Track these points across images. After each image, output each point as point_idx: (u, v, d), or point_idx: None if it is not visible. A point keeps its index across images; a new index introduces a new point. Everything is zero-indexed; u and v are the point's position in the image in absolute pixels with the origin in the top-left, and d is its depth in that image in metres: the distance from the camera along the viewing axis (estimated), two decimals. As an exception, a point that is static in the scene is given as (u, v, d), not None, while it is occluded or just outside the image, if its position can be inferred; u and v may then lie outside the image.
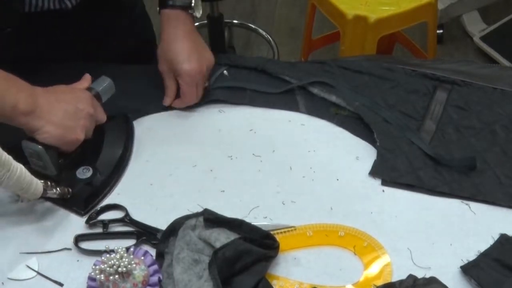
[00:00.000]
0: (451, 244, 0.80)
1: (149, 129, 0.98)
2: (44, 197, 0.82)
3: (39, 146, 0.83)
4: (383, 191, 0.88)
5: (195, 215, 0.80)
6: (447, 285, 0.72)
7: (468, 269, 0.75)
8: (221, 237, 0.75)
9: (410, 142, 0.93)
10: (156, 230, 0.81)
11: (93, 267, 0.72)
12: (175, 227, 0.79)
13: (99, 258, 0.74)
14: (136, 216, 0.84)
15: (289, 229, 0.81)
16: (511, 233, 0.80)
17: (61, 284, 0.76)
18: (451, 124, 0.96)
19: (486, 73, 1.05)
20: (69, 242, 0.80)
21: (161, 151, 0.95)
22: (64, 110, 0.84)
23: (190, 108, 1.02)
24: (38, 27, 1.01)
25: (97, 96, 0.92)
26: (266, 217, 0.84)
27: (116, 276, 0.71)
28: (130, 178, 0.90)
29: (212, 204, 0.84)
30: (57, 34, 1.04)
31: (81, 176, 0.88)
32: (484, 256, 0.77)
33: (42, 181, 0.79)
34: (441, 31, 2.48)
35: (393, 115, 0.97)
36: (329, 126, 0.99)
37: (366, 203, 0.86)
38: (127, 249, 0.74)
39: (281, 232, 0.81)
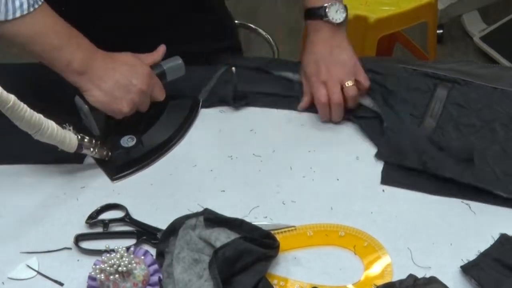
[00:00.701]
0: (451, 244, 0.80)
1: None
2: (81, 153, 0.85)
3: (86, 106, 0.86)
4: (383, 191, 0.88)
5: (195, 215, 0.80)
6: (447, 284, 0.72)
7: (468, 269, 0.75)
8: (221, 237, 0.75)
9: (416, 127, 0.94)
10: (157, 229, 0.81)
11: (93, 266, 0.72)
12: (175, 227, 0.79)
13: (99, 258, 0.74)
14: (136, 215, 0.84)
15: (289, 229, 0.81)
16: (511, 233, 0.80)
17: (61, 284, 0.76)
18: (451, 121, 0.96)
19: (486, 73, 1.05)
20: (69, 242, 0.80)
21: (161, 151, 0.95)
22: (116, 80, 0.86)
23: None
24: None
25: (162, 74, 0.93)
26: (266, 217, 0.84)
27: (117, 275, 0.71)
28: (129, 178, 0.90)
29: (212, 204, 0.84)
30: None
31: (124, 143, 0.91)
32: (484, 256, 0.77)
33: (81, 137, 0.83)
34: (441, 31, 2.48)
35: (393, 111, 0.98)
36: (329, 125, 0.99)
37: (366, 203, 0.86)
38: (127, 248, 0.74)
39: (281, 232, 0.81)
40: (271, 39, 2.42)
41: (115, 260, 0.71)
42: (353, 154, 0.93)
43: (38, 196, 0.86)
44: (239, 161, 0.93)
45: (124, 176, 0.89)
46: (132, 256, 0.73)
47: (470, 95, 1.00)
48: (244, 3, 2.81)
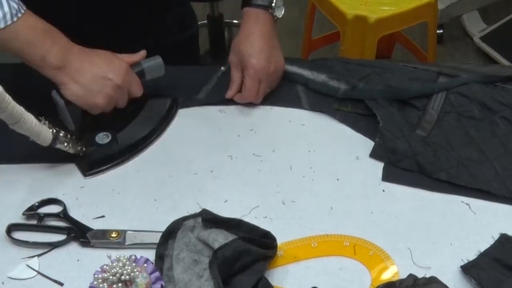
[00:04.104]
0: (451, 244, 0.80)
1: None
2: (54, 147, 0.85)
3: (62, 100, 0.87)
4: (383, 191, 0.88)
5: (193, 216, 0.80)
6: (447, 284, 0.72)
7: (468, 269, 0.75)
8: (219, 238, 0.75)
9: (412, 128, 0.94)
10: (88, 229, 0.81)
11: (95, 276, 0.72)
12: (173, 229, 0.79)
13: (98, 268, 0.74)
14: (136, 215, 0.84)
15: (294, 240, 0.81)
16: (511, 233, 0.80)
17: (61, 284, 0.76)
18: (452, 112, 0.96)
19: (486, 71, 1.05)
20: (1, 231, 0.81)
21: (161, 151, 0.95)
22: (93, 74, 0.87)
23: (190, 107, 1.02)
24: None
25: (141, 72, 0.94)
26: (266, 217, 0.84)
27: (119, 284, 0.71)
28: (130, 178, 0.90)
29: (212, 204, 0.84)
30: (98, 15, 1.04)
31: (99, 140, 0.91)
32: (484, 256, 0.77)
33: (56, 131, 0.83)
34: (441, 31, 2.48)
35: (394, 108, 0.98)
36: (329, 125, 0.99)
37: (366, 203, 0.86)
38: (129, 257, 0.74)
39: (285, 244, 0.80)
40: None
41: (117, 268, 0.71)
42: (353, 154, 0.93)
43: (38, 196, 0.86)
44: (239, 161, 0.93)
45: (97, 173, 0.90)
46: (134, 264, 0.73)
47: (472, 86, 1.00)
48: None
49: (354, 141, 0.96)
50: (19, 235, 0.81)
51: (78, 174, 0.91)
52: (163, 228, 0.79)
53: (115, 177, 0.90)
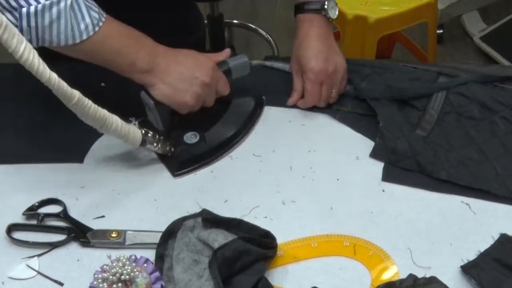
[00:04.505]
0: (451, 244, 0.80)
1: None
2: (144, 147, 0.86)
3: (151, 101, 0.87)
4: (383, 191, 0.88)
5: (193, 216, 0.80)
6: (447, 284, 0.72)
7: (468, 269, 0.75)
8: (219, 238, 0.75)
9: (412, 128, 0.94)
10: (88, 229, 0.81)
11: (95, 276, 0.72)
12: (173, 229, 0.79)
13: (98, 268, 0.74)
14: (136, 216, 0.84)
15: (293, 240, 0.81)
16: (511, 233, 0.80)
17: (61, 284, 0.76)
18: (452, 112, 0.96)
19: (486, 71, 1.05)
20: (1, 231, 0.81)
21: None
22: (180, 73, 0.87)
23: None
24: None
25: (227, 71, 0.94)
26: (266, 217, 0.84)
27: (119, 284, 0.71)
28: (130, 177, 0.90)
29: (212, 204, 0.84)
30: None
31: (187, 140, 0.92)
32: (484, 256, 0.77)
33: (145, 131, 0.84)
34: (441, 31, 2.48)
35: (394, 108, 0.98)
36: (329, 125, 0.99)
37: (366, 203, 0.86)
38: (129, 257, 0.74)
39: (285, 245, 0.80)
40: (271, 39, 2.42)
41: (117, 268, 0.71)
42: (353, 154, 0.93)
43: (38, 196, 0.86)
44: (239, 161, 0.93)
45: (186, 173, 0.90)
46: (134, 264, 0.73)
47: (472, 86, 1.00)
48: (244, 3, 2.81)
49: (354, 141, 0.96)
50: (19, 235, 0.81)
51: (78, 174, 0.91)
52: (163, 228, 0.79)
53: (115, 177, 0.90)
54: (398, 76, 1.03)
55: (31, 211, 0.84)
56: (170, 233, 0.78)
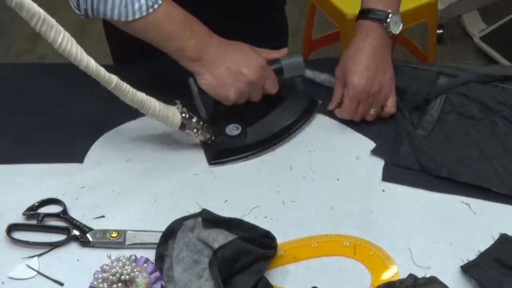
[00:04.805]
0: (451, 244, 0.80)
1: (150, 128, 0.98)
2: (183, 131, 0.89)
3: (196, 89, 0.89)
4: (383, 191, 0.88)
5: (193, 216, 0.80)
6: (447, 284, 0.72)
7: (468, 269, 0.75)
8: (219, 238, 0.75)
9: (413, 127, 0.95)
10: (88, 228, 0.81)
11: (95, 276, 0.72)
12: (173, 229, 0.79)
13: (98, 268, 0.74)
14: (136, 216, 0.84)
15: (293, 240, 0.81)
16: (511, 233, 0.80)
17: (61, 284, 0.76)
18: (452, 112, 0.96)
19: (487, 71, 1.05)
20: (1, 231, 0.81)
21: (162, 151, 0.94)
22: (227, 67, 0.88)
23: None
24: None
25: (279, 70, 0.93)
26: (266, 217, 0.84)
27: (119, 284, 0.71)
28: (130, 177, 0.90)
29: (212, 204, 0.84)
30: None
31: (228, 131, 0.93)
32: (484, 256, 0.77)
33: (189, 116, 0.87)
34: (441, 31, 2.48)
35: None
36: (329, 125, 0.99)
37: (366, 203, 0.86)
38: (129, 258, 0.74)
39: (285, 244, 0.80)
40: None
41: (117, 268, 0.71)
42: (353, 154, 0.93)
43: (38, 196, 0.86)
44: (239, 160, 0.93)
45: (221, 163, 0.91)
46: (134, 264, 0.73)
47: (472, 85, 1.00)
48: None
49: (354, 141, 0.96)
50: (19, 235, 0.81)
51: (78, 174, 0.91)
52: (163, 228, 0.79)
53: (115, 177, 0.90)
54: (398, 76, 1.02)
55: (31, 211, 0.84)
56: (170, 233, 0.78)
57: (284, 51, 0.96)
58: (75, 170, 0.91)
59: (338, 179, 0.90)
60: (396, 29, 0.95)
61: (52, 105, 1.01)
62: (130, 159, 0.93)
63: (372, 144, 0.94)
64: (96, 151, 0.94)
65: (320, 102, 0.99)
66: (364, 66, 0.92)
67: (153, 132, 0.97)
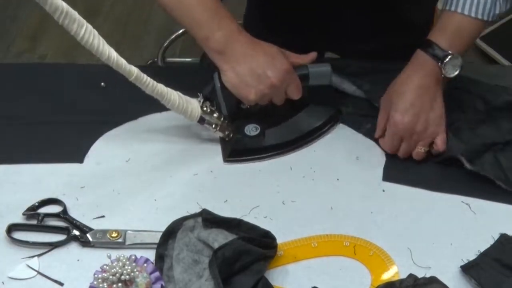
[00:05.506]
0: (451, 244, 0.80)
1: (149, 128, 0.98)
2: (202, 125, 0.90)
3: (218, 84, 0.89)
4: (383, 191, 0.88)
5: (193, 216, 0.80)
6: (447, 284, 0.72)
7: (468, 269, 0.75)
8: (219, 238, 0.75)
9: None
10: (88, 228, 0.81)
11: (95, 276, 0.72)
12: (173, 229, 0.79)
13: (98, 268, 0.74)
14: (136, 216, 0.84)
15: (293, 240, 0.81)
16: (511, 233, 0.80)
17: (61, 284, 0.76)
18: (456, 110, 0.95)
19: (486, 71, 1.05)
20: (1, 231, 0.81)
21: (162, 151, 0.95)
22: (251, 68, 0.87)
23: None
24: None
25: (305, 76, 0.92)
26: (266, 217, 0.84)
27: (119, 284, 0.71)
28: (130, 177, 0.90)
29: (212, 204, 0.84)
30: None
31: (247, 131, 0.93)
32: (484, 256, 0.77)
33: (210, 110, 0.88)
34: (441, 31, 2.47)
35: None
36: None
37: (366, 203, 0.86)
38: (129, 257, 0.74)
39: (285, 244, 0.80)
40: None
41: (117, 268, 0.71)
42: (353, 154, 0.93)
43: (38, 196, 0.86)
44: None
45: (236, 161, 0.91)
46: (134, 264, 0.73)
47: (472, 83, 0.99)
48: (244, 3, 2.80)
49: (354, 141, 0.96)
50: (19, 235, 0.81)
51: (78, 174, 0.91)
52: (163, 228, 0.79)
53: (115, 177, 0.90)
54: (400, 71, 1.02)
55: (31, 211, 0.84)
56: (170, 233, 0.78)
57: (312, 55, 0.94)
58: (75, 170, 0.91)
59: (338, 179, 0.90)
60: (452, 72, 0.88)
61: (52, 105, 1.01)
62: (130, 159, 0.93)
63: (372, 144, 0.94)
64: (96, 151, 0.94)
65: (343, 112, 0.98)
66: (410, 103, 0.88)
67: (153, 133, 0.97)
